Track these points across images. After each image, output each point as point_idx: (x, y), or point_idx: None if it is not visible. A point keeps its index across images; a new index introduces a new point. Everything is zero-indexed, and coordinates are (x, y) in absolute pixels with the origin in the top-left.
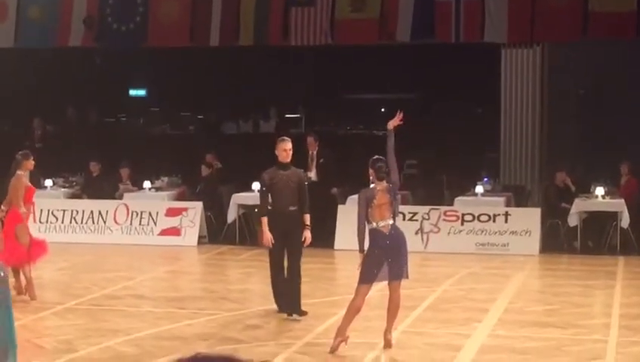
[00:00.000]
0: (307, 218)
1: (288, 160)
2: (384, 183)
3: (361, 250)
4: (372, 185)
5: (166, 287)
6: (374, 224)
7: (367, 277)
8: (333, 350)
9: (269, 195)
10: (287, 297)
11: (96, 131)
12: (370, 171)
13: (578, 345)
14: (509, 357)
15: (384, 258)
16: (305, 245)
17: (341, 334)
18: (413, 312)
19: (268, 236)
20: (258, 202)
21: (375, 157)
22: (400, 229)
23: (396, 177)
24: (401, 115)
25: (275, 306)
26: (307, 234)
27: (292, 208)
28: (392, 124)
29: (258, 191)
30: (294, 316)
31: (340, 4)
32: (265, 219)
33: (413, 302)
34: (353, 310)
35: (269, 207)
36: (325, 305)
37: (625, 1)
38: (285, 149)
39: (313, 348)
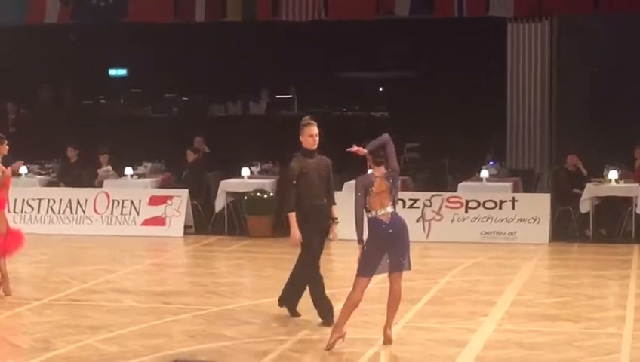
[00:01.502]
0: (335, 210)
1: (315, 146)
2: (382, 169)
3: (360, 240)
4: (370, 171)
5: (150, 281)
6: (373, 212)
7: (366, 269)
8: (329, 347)
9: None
10: (326, 303)
11: (74, 114)
12: (368, 156)
13: (591, 340)
14: (517, 352)
15: (384, 248)
16: (333, 241)
17: (338, 330)
18: (414, 306)
19: (297, 236)
20: (248, 189)
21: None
22: (401, 217)
23: (395, 163)
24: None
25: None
26: (335, 230)
27: (320, 202)
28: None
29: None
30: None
31: None
32: (294, 215)
33: (415, 295)
34: (351, 304)
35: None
36: None
37: None
38: (312, 135)
39: (308, 344)
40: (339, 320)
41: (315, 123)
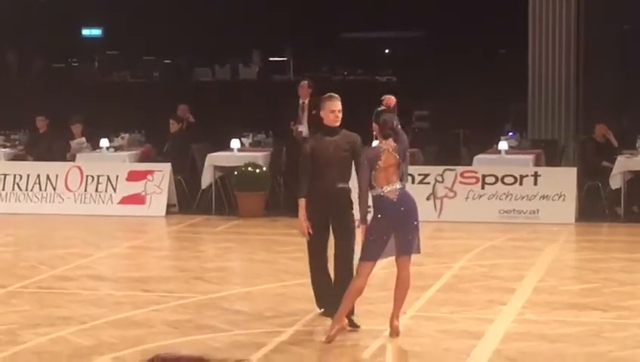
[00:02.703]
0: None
1: (337, 124)
2: (391, 142)
3: (364, 220)
4: (376, 143)
5: (128, 266)
6: (379, 189)
7: (371, 253)
8: (330, 339)
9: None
10: (334, 297)
11: (43, 80)
12: (374, 126)
13: (621, 331)
14: (539, 345)
15: (391, 229)
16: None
17: (339, 321)
18: (424, 293)
19: (304, 225)
20: (238, 163)
21: (379, 110)
22: (410, 195)
23: (404, 137)
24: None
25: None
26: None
27: (341, 185)
28: None
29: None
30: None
31: None
32: (303, 202)
33: (425, 282)
34: (354, 292)
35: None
36: None
37: None
38: (334, 110)
39: (306, 337)
40: (340, 310)
41: (339, 97)
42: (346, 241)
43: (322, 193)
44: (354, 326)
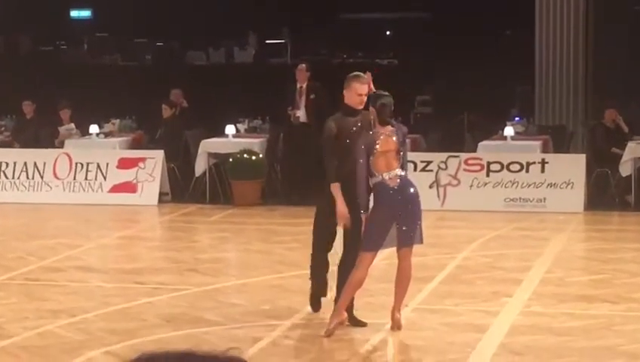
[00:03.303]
0: None
1: (361, 107)
2: (389, 127)
3: (364, 208)
4: (373, 129)
5: (119, 257)
6: (379, 176)
7: (371, 244)
8: (329, 333)
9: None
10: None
11: (30, 63)
12: (371, 110)
13: (633, 323)
14: (546, 339)
15: (392, 218)
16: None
17: (339, 314)
18: (427, 285)
19: (345, 212)
20: (233, 150)
21: (377, 93)
22: (411, 182)
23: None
24: None
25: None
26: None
27: None
28: None
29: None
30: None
31: None
32: (338, 187)
33: (428, 273)
34: (355, 283)
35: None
36: None
37: None
38: (361, 94)
39: (303, 330)
40: (340, 303)
41: (367, 79)
42: (359, 229)
43: (347, 176)
44: (360, 324)
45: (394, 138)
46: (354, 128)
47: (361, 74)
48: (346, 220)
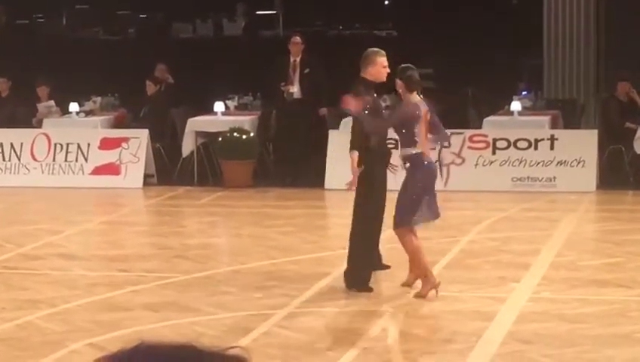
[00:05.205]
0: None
1: (385, 79)
2: (417, 96)
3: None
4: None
5: (102, 243)
6: (420, 148)
7: (408, 217)
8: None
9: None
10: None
11: (5, 37)
12: (399, 84)
13: None
14: (557, 326)
15: (425, 191)
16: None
17: (432, 281)
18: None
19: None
20: (222, 128)
21: (404, 65)
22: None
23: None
24: None
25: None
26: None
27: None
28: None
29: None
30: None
31: None
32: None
33: (431, 257)
34: (419, 249)
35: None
36: (313, 263)
37: None
38: (385, 65)
39: (298, 319)
40: (424, 271)
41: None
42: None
43: (382, 153)
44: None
45: (428, 110)
46: (382, 105)
47: (377, 49)
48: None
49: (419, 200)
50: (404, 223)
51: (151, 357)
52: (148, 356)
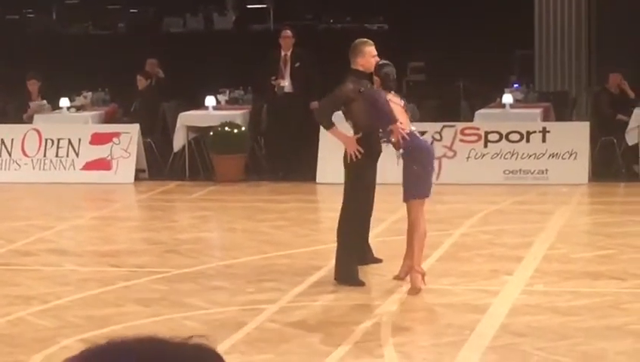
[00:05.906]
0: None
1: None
2: (397, 97)
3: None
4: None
5: (94, 239)
6: (408, 128)
7: (423, 189)
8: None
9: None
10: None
11: None
12: (375, 80)
13: None
14: (550, 319)
15: (428, 169)
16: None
17: (419, 270)
18: (422, 264)
19: (353, 141)
20: (213, 123)
21: (381, 62)
22: None
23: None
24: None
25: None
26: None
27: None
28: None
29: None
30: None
31: None
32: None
33: (424, 251)
34: (423, 236)
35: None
36: (305, 257)
37: None
38: (374, 55)
39: (291, 313)
40: (417, 260)
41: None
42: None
43: (376, 139)
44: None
45: (400, 107)
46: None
47: (365, 39)
48: (356, 151)
49: (425, 174)
50: (410, 195)
51: (115, 351)
52: (113, 352)
